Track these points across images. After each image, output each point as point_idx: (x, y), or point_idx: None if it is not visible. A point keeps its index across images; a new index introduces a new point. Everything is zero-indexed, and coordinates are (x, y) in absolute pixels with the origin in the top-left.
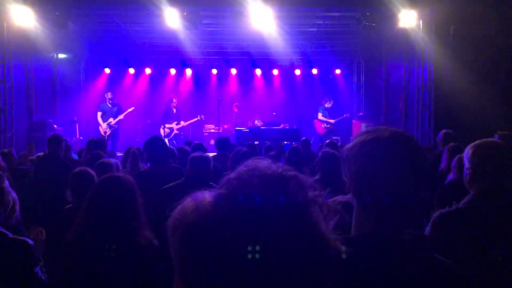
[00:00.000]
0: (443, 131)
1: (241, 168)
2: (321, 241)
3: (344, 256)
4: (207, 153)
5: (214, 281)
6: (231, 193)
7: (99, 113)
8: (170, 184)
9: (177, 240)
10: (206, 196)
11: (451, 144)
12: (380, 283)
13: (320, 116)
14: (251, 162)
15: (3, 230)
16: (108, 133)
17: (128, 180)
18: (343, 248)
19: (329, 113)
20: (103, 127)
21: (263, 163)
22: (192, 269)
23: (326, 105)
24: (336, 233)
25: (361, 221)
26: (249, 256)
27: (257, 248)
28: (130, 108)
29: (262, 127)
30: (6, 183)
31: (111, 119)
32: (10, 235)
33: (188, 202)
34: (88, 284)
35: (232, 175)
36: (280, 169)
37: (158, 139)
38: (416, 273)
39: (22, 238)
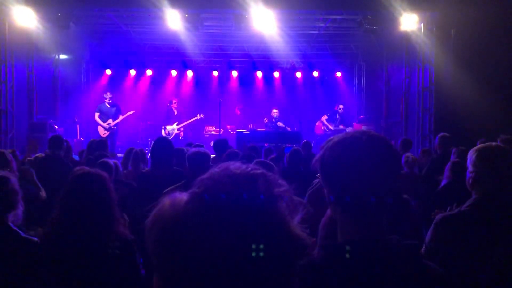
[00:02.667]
0: (440, 134)
1: (214, 169)
2: (288, 234)
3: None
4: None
5: (189, 278)
6: (204, 192)
7: (97, 114)
8: (171, 187)
9: (153, 238)
10: (183, 195)
11: (461, 148)
12: None
13: (324, 118)
14: (224, 164)
15: (16, 229)
16: (107, 135)
17: (101, 176)
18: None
19: (341, 118)
20: (103, 127)
21: (235, 164)
22: (168, 266)
23: (339, 111)
24: (303, 226)
25: (344, 225)
26: (221, 252)
27: (228, 244)
28: (130, 111)
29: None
30: (14, 181)
31: (110, 121)
32: (22, 234)
33: (165, 202)
34: (63, 278)
35: (205, 175)
36: (249, 169)
37: (163, 141)
38: (405, 282)
39: (33, 238)
